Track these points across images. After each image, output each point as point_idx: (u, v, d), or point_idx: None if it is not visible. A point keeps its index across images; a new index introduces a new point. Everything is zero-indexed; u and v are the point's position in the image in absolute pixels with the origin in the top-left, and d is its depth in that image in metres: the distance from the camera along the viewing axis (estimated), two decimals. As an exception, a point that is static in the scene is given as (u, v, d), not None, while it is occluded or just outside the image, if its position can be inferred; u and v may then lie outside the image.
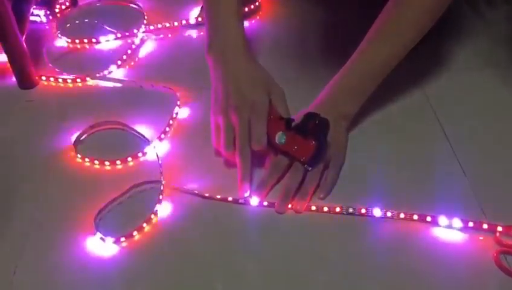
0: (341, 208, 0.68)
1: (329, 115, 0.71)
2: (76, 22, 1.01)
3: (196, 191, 0.71)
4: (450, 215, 0.66)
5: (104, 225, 0.68)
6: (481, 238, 0.65)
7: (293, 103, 0.75)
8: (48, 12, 1.02)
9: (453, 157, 0.74)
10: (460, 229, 0.66)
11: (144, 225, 0.68)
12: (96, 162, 0.76)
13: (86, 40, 0.97)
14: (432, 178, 0.72)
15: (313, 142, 0.69)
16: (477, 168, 0.73)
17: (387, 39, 0.73)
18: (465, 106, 0.82)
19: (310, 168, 0.69)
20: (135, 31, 0.97)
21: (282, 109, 0.73)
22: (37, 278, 0.64)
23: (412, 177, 0.72)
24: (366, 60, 0.74)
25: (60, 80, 0.90)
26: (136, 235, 0.67)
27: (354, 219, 0.68)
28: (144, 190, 0.72)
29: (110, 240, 0.66)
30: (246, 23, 0.97)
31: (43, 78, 0.90)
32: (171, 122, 0.81)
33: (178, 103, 0.84)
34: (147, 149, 0.77)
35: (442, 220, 0.66)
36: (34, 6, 1.00)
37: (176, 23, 0.99)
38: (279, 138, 0.70)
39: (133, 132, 0.80)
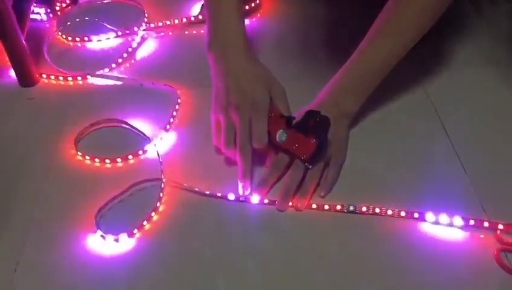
0: (342, 206, 0.68)
1: (330, 113, 0.71)
2: (77, 19, 1.01)
3: (197, 189, 0.71)
4: (450, 213, 0.66)
5: (104, 223, 0.68)
6: (482, 236, 0.65)
7: (294, 101, 0.75)
8: (49, 10, 1.02)
9: (453, 155, 0.74)
10: (461, 227, 0.66)
11: (145, 222, 0.68)
12: (96, 160, 0.76)
13: (86, 38, 0.97)
14: (432, 176, 0.72)
15: (314, 140, 0.68)
16: (478, 166, 0.73)
17: (388, 38, 0.73)
18: (466, 104, 0.82)
19: (310, 166, 0.69)
20: (136, 28, 0.97)
21: (283, 107, 0.73)
22: (37, 277, 0.64)
23: (412, 175, 0.72)
24: (366, 59, 0.74)
25: (61, 78, 0.90)
26: (137, 233, 0.67)
27: (354, 217, 0.68)
28: (144, 188, 0.72)
29: (110, 238, 0.66)
30: (247, 21, 0.96)
31: (44, 76, 0.90)
32: (171, 120, 0.81)
33: (178, 100, 0.84)
34: (148, 147, 0.77)
35: (443, 218, 0.66)
36: (35, 4, 1.00)
37: (176, 21, 0.99)
38: (280, 136, 0.70)
39: (133, 129, 0.80)
